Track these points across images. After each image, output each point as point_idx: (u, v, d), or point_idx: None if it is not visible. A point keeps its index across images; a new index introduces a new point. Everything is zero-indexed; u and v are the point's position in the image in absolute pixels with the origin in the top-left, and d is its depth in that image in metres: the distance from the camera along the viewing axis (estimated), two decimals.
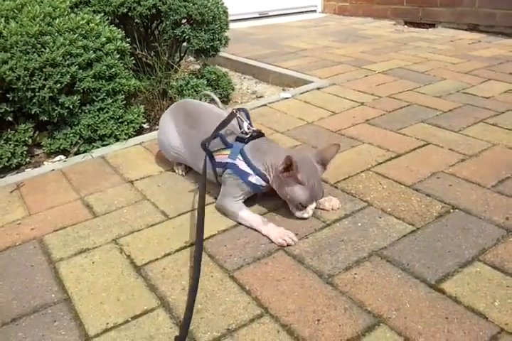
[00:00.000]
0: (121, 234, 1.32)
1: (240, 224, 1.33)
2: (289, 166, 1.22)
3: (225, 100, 2.48)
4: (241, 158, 1.36)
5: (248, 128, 1.40)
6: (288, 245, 1.22)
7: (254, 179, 1.34)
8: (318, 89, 2.47)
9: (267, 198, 1.43)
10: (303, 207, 1.29)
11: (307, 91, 2.45)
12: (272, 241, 1.24)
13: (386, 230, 1.26)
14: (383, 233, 1.25)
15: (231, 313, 1.02)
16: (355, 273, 1.11)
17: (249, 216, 1.32)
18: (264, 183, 1.35)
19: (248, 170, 1.34)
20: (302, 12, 5.08)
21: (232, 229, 1.31)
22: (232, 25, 2.49)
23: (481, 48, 3.23)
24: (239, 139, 1.39)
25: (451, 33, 3.83)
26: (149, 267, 1.17)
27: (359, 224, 1.30)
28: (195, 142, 1.43)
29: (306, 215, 1.32)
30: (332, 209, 1.37)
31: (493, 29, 3.74)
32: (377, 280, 1.09)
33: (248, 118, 1.45)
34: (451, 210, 1.34)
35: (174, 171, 1.67)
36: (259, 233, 1.28)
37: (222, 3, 2.33)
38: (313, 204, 1.30)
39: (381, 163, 1.64)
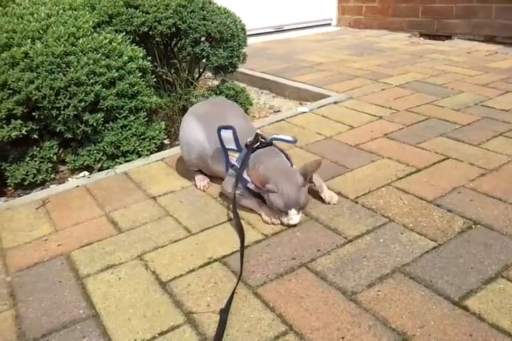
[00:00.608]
0: (145, 250, 1.34)
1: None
2: (257, 182, 1.38)
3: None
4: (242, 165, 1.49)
5: (259, 138, 1.51)
6: (272, 224, 1.42)
7: (252, 186, 1.46)
8: (335, 103, 2.49)
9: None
10: (285, 213, 1.38)
11: (324, 105, 2.47)
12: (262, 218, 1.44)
13: (408, 246, 1.27)
14: (405, 249, 1.26)
15: (256, 330, 1.03)
16: (379, 290, 1.12)
17: (247, 200, 1.50)
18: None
19: (247, 178, 1.46)
20: (317, 26, 5.13)
21: (255, 245, 1.33)
22: (248, 40, 2.53)
23: (498, 60, 3.23)
24: (247, 146, 1.50)
25: (467, 44, 3.83)
26: (174, 283, 1.20)
27: (381, 240, 1.30)
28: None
29: (291, 222, 1.39)
30: (329, 203, 1.51)
31: (510, 40, 3.73)
32: (401, 297, 1.09)
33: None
34: (473, 226, 1.34)
35: (195, 186, 1.70)
36: (281, 249, 1.30)
37: (241, 21, 2.38)
38: (293, 211, 1.38)
39: (401, 177, 1.64)
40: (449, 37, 4.16)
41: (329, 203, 1.51)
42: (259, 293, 1.14)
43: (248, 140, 1.51)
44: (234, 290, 1.12)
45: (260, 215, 1.46)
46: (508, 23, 3.74)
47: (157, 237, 1.40)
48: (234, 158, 1.54)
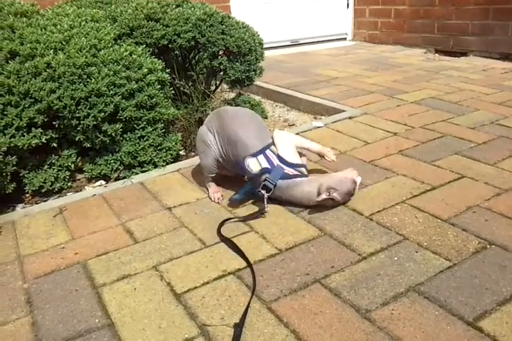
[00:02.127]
0: (161, 261, 1.36)
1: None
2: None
3: None
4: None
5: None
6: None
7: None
8: (350, 118, 2.50)
9: (304, 226, 1.46)
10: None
11: (339, 120, 2.49)
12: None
13: (423, 265, 1.27)
14: (420, 268, 1.26)
15: None
16: (393, 309, 1.12)
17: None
18: None
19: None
20: (333, 40, 5.17)
21: (268, 260, 1.34)
22: (264, 53, 2.56)
23: None
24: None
25: (483, 61, 3.84)
26: (189, 295, 1.21)
27: (395, 259, 1.30)
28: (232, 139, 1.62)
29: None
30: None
31: None
32: (415, 317, 1.09)
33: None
34: (488, 246, 1.34)
35: (210, 198, 1.72)
36: (295, 264, 1.31)
37: (258, 35, 2.41)
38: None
39: (416, 195, 1.65)
40: (464, 54, 4.17)
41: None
42: (273, 308, 1.14)
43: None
44: (248, 304, 1.13)
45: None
46: None
47: (172, 248, 1.42)
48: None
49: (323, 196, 1.50)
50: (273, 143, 1.65)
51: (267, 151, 1.61)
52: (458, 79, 3.24)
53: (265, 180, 1.54)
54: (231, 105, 2.48)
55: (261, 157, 1.59)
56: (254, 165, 1.56)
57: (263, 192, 1.54)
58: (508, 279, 1.20)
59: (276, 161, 1.59)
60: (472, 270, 1.24)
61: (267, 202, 1.55)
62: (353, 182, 1.56)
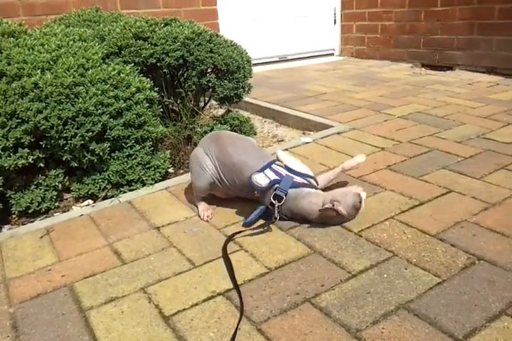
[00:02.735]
0: (149, 283, 1.34)
1: None
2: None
3: None
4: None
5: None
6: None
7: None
8: (338, 133, 2.52)
9: (293, 244, 1.45)
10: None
11: (328, 135, 2.50)
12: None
13: (412, 282, 1.27)
14: (409, 285, 1.26)
15: None
16: (383, 328, 1.11)
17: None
18: None
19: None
20: (320, 55, 5.23)
21: (258, 279, 1.33)
22: (253, 69, 2.57)
23: (499, 91, 3.28)
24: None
25: (469, 75, 3.90)
26: (177, 318, 1.19)
27: (385, 276, 1.30)
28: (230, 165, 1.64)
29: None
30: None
31: (511, 72, 3.79)
32: (405, 335, 1.09)
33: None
34: (477, 261, 1.34)
35: (199, 216, 1.71)
36: (285, 283, 1.30)
37: (246, 53, 2.43)
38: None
39: (404, 211, 1.65)
40: (450, 68, 4.23)
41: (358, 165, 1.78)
42: (263, 329, 1.13)
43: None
44: (237, 326, 1.12)
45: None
46: (508, 55, 3.81)
47: (160, 269, 1.40)
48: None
49: (326, 206, 1.50)
50: (278, 160, 1.68)
51: (273, 165, 1.63)
52: (444, 93, 3.28)
53: (276, 189, 1.55)
54: (220, 122, 2.49)
55: (268, 171, 1.60)
56: (261, 179, 1.57)
57: (275, 202, 1.54)
58: (496, 295, 1.20)
59: (284, 172, 1.61)
60: (461, 286, 1.24)
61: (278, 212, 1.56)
62: (357, 195, 1.57)
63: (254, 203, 1.66)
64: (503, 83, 3.55)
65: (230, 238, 1.51)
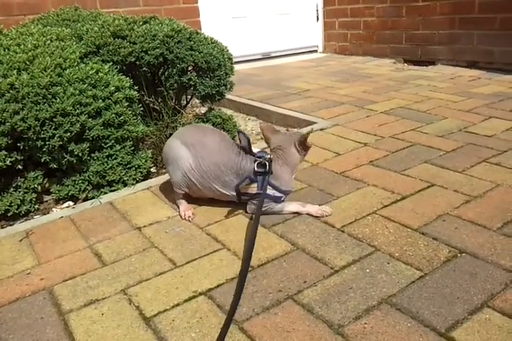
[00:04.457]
0: (129, 284, 1.32)
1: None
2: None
3: None
4: (270, 187, 1.59)
5: (263, 161, 1.58)
6: (327, 216, 1.60)
7: (284, 197, 1.64)
8: (321, 130, 2.51)
9: (276, 241, 1.44)
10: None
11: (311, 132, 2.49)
12: (313, 215, 1.61)
13: (394, 276, 1.27)
14: (392, 279, 1.25)
15: None
16: (365, 323, 1.10)
17: (291, 205, 1.65)
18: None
19: (278, 194, 1.61)
20: (304, 52, 5.23)
21: None
22: (236, 67, 2.56)
23: (481, 85, 3.30)
24: (259, 173, 1.58)
25: (450, 70, 3.92)
26: (158, 319, 1.17)
27: (367, 271, 1.30)
28: (207, 163, 1.61)
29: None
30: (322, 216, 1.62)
31: (492, 65, 3.83)
32: (388, 330, 1.08)
33: (249, 142, 1.65)
34: (459, 254, 1.35)
35: (181, 216, 1.69)
36: (267, 281, 1.28)
37: (227, 51, 2.41)
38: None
39: (387, 205, 1.65)
40: (432, 63, 4.25)
41: (323, 216, 1.62)
42: (245, 328, 1.12)
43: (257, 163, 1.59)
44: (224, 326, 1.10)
45: (309, 214, 1.63)
46: (489, 49, 3.84)
47: (141, 270, 1.38)
48: (253, 188, 1.61)
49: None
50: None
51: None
52: (426, 88, 3.29)
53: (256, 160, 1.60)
54: (203, 120, 2.47)
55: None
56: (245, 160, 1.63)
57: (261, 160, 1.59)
58: (478, 287, 1.20)
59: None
60: (443, 279, 1.24)
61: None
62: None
63: (235, 203, 1.66)
64: (484, 77, 3.58)
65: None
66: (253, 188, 1.61)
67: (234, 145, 1.67)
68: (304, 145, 1.63)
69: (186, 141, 1.65)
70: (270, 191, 1.60)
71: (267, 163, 1.57)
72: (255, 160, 1.59)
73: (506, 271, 1.26)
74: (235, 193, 1.61)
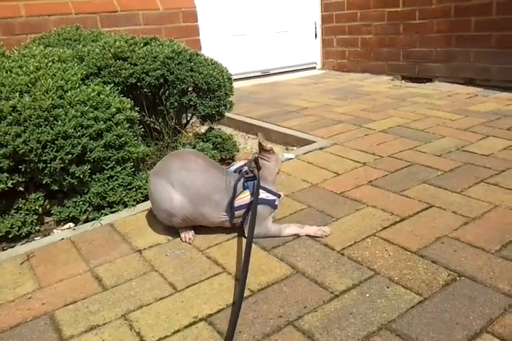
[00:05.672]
0: (130, 309, 1.32)
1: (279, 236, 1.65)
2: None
3: (230, 161, 2.54)
4: (263, 191, 1.61)
5: (248, 169, 1.66)
6: (326, 236, 1.62)
7: (277, 201, 1.66)
8: (320, 149, 2.53)
9: (276, 264, 1.45)
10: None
11: (310, 151, 2.51)
12: (313, 236, 1.63)
13: (394, 301, 1.27)
14: (391, 304, 1.26)
15: None
16: None
17: (288, 228, 1.66)
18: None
19: (272, 196, 1.63)
20: (302, 69, 5.28)
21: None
22: (235, 84, 2.59)
23: (478, 103, 3.33)
24: (249, 179, 1.63)
25: (448, 87, 3.96)
26: None
27: (367, 295, 1.30)
28: (195, 185, 1.61)
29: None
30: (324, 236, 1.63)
31: (489, 83, 3.87)
32: None
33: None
34: (457, 278, 1.35)
35: (181, 239, 1.69)
36: (267, 306, 1.29)
37: (227, 71, 2.45)
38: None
39: (386, 227, 1.66)
40: (429, 80, 4.29)
41: (322, 237, 1.64)
42: None
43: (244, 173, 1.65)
44: None
45: (308, 235, 1.64)
46: (486, 66, 3.89)
47: (142, 295, 1.39)
48: (246, 197, 1.62)
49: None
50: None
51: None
52: (424, 105, 3.33)
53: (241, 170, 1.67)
54: (202, 140, 2.49)
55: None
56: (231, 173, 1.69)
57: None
58: (477, 312, 1.21)
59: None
60: (442, 304, 1.25)
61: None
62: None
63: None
64: (481, 94, 3.61)
65: None
66: (246, 198, 1.60)
67: (216, 164, 1.73)
68: (264, 151, 1.63)
69: (169, 177, 1.62)
70: (263, 194, 1.61)
71: (252, 169, 1.64)
72: (239, 171, 1.66)
73: (504, 295, 1.26)
74: (227, 215, 1.62)
